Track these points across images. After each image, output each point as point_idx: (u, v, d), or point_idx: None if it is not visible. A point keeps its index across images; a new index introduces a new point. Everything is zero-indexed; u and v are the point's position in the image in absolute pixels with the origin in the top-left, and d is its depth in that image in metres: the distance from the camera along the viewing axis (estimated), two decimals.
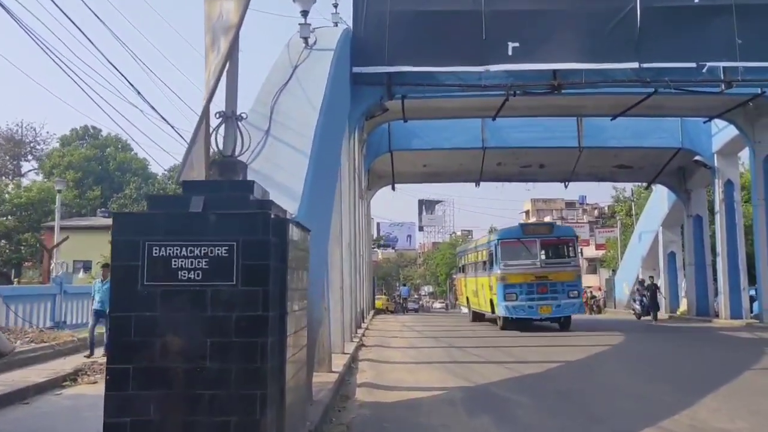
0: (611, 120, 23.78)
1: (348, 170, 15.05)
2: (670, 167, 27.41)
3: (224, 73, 5.71)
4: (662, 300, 29.11)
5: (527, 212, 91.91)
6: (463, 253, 29.45)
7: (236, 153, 5.61)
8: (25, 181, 46.70)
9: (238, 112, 5.63)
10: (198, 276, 4.47)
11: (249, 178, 5.97)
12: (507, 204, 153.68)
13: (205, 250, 4.49)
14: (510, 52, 14.59)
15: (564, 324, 19.89)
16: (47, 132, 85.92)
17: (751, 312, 24.39)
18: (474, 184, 29.35)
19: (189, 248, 4.48)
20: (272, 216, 4.70)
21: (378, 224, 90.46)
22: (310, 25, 11.63)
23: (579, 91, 19.71)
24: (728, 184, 24.99)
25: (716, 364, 11.71)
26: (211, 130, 5.57)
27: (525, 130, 25.43)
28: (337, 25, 15.09)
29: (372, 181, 29.32)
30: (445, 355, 13.47)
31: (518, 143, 25.81)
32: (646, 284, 28.26)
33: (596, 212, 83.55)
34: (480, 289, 22.97)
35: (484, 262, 22.21)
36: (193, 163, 5.64)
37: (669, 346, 15.59)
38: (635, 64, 14.57)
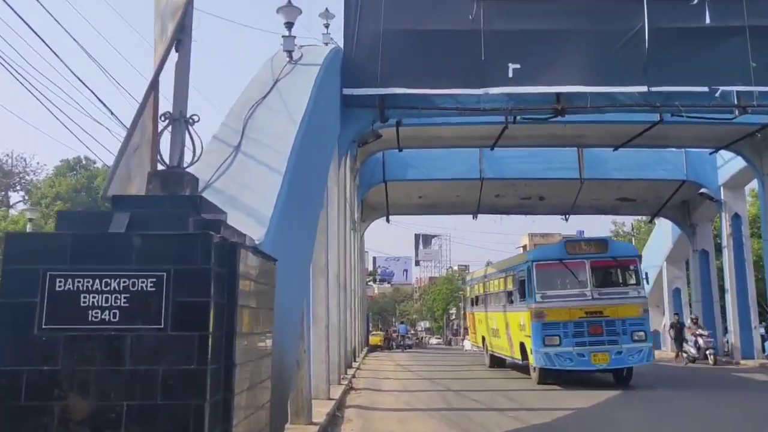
0: (614, 151, 22.96)
1: (337, 198, 14.03)
2: (674, 200, 26.49)
3: (177, 72, 4.75)
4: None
5: (524, 247, 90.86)
6: (477, 281, 23.59)
7: (184, 163, 4.59)
8: (13, 212, 45.63)
9: (189, 114, 4.64)
10: (114, 317, 3.39)
11: (208, 198, 4.96)
12: (504, 238, 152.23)
13: (125, 282, 3.42)
14: (510, 74, 13.70)
15: (623, 377, 14.76)
16: (38, 162, 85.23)
17: (763, 351, 23.24)
18: (471, 216, 28.37)
19: (104, 280, 3.41)
20: (217, 239, 3.64)
21: (374, 258, 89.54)
22: (294, 37, 10.75)
23: (582, 118, 18.87)
24: (735, 218, 24.03)
25: None
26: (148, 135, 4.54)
27: (524, 161, 24.54)
28: (327, 45, 14.24)
29: (366, 213, 28.30)
30: (440, 399, 12.27)
31: (517, 174, 24.90)
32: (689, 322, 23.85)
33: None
34: (503, 328, 17.92)
35: (510, 293, 17.20)
36: (130, 174, 4.60)
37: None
38: (644, 88, 13.68)
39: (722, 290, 25.65)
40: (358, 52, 14.14)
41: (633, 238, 46.72)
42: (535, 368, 14.72)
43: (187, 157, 4.74)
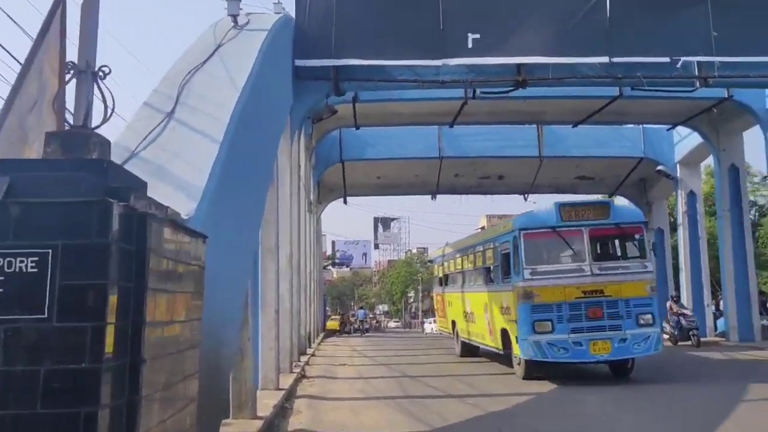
0: (573, 127, 22.75)
1: (290, 176, 13.32)
2: (631, 178, 26.53)
3: (83, 15, 4.02)
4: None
5: (483, 228, 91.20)
6: (447, 258, 20.30)
7: (93, 123, 3.88)
8: None
9: (98, 66, 3.93)
10: None
11: (134, 170, 4.28)
12: (462, 219, 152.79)
13: None
14: (470, 45, 13.11)
15: (623, 369, 12.40)
16: None
17: (715, 329, 23.46)
18: (430, 196, 27.91)
19: None
20: (120, 208, 2.96)
21: (333, 242, 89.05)
22: (240, 0, 9.93)
23: (542, 93, 18.54)
24: (691, 195, 24.18)
25: None
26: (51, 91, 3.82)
27: (484, 139, 24.16)
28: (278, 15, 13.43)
29: (323, 194, 27.58)
30: (396, 387, 11.77)
31: (477, 153, 24.52)
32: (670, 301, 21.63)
33: None
34: (480, 311, 15.25)
35: (490, 270, 14.53)
36: (27, 135, 3.88)
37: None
38: (605, 59, 13.26)
39: (676, 269, 25.84)
40: (311, 21, 13.37)
41: None
42: (519, 360, 12.25)
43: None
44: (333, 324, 44.05)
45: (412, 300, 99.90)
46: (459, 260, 18.35)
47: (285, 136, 12.93)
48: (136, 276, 3.04)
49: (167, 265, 3.43)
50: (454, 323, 18.54)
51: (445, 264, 20.44)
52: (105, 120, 3.91)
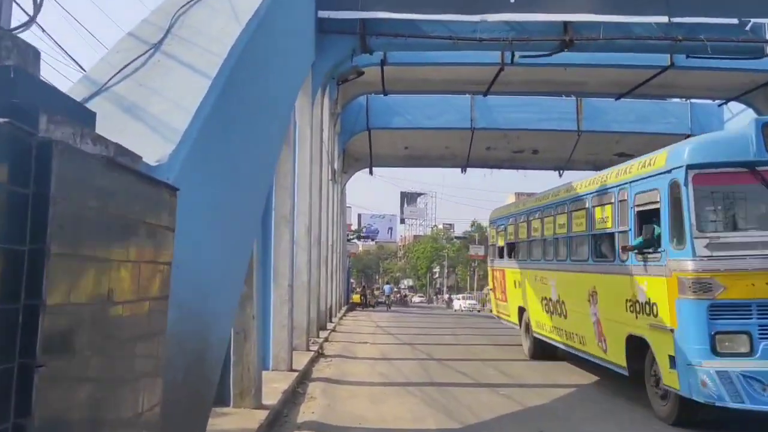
0: (616, 100, 21.34)
1: (311, 139, 12.24)
2: None
3: None
4: None
5: None
6: (518, 218, 14.09)
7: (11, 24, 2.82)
8: None
9: None
10: None
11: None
12: (490, 196, 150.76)
13: None
14: (512, 0, 11.87)
15: None
16: None
17: None
18: (460, 170, 26.61)
19: None
20: (11, 131, 1.90)
21: (359, 215, 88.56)
22: None
23: (585, 60, 17.23)
24: None
25: None
26: None
27: (519, 111, 22.81)
28: None
29: (348, 164, 26.45)
30: (421, 372, 10.72)
31: (511, 125, 23.14)
32: None
33: None
34: (577, 301, 9.92)
35: (603, 236, 9.40)
36: None
37: None
38: (664, 18, 11.86)
39: None
40: None
41: None
42: (667, 394, 7.17)
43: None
44: (357, 297, 43.63)
45: (437, 275, 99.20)
46: (539, 222, 12.17)
47: (305, 95, 11.86)
48: (31, 235, 1.98)
49: (98, 220, 2.37)
50: (521, 311, 13.14)
51: (513, 227, 14.27)
52: (30, 22, 2.85)
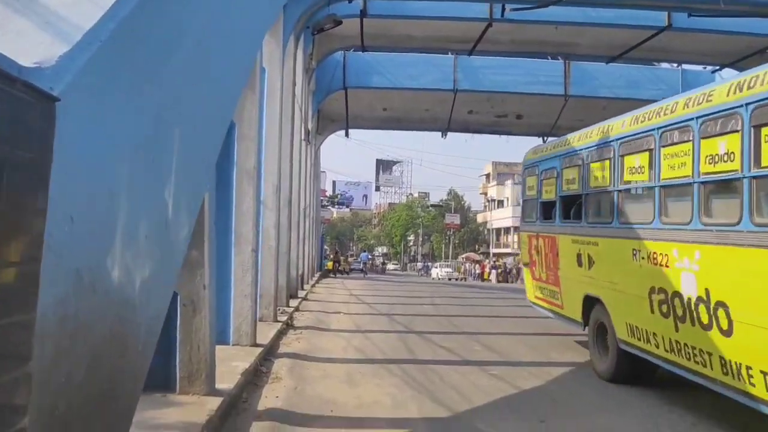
0: (606, 63, 20.42)
1: (281, 90, 11.05)
2: None
3: None
4: None
5: (488, 176, 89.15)
6: (595, 150, 8.38)
7: None
8: None
9: None
10: None
11: None
12: (467, 162, 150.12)
13: None
14: None
15: None
16: None
17: None
18: (440, 134, 25.52)
19: None
20: None
21: (333, 182, 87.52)
22: None
23: (578, 19, 16.30)
24: None
25: None
26: None
27: (504, 73, 21.75)
28: None
29: (323, 125, 25.22)
30: (401, 347, 9.76)
31: (495, 87, 22.09)
32: None
33: None
34: (742, 298, 5.11)
35: None
36: None
37: None
38: None
39: None
40: None
41: None
42: None
43: None
44: (329, 264, 43.26)
45: (411, 243, 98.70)
46: (644, 157, 6.98)
47: (275, 40, 10.67)
48: None
49: None
50: (591, 303, 8.13)
51: (575, 170, 9.03)
52: None
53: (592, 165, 8.42)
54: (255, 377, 6.94)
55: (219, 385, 5.73)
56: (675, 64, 22.25)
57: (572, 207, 8.98)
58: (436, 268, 52.68)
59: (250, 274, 8.23)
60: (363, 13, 15.88)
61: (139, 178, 3.26)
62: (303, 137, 18.55)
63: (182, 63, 4.20)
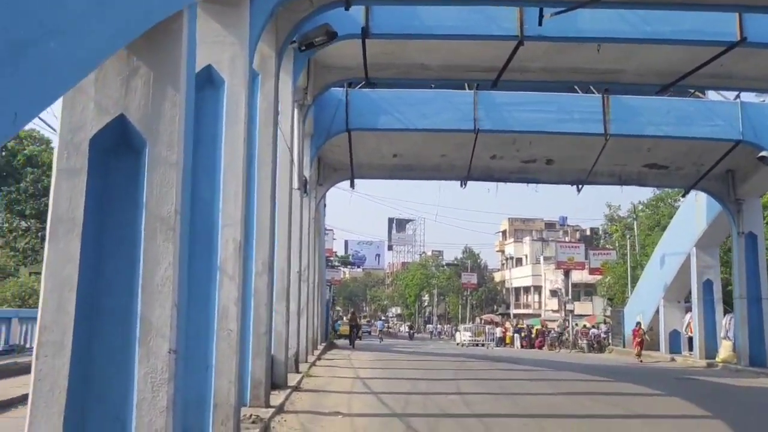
0: (656, 94, 17.32)
1: (245, 108, 7.88)
2: (717, 169, 20.85)
3: None
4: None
5: (504, 233, 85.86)
6: None
7: None
8: None
9: None
10: None
11: None
12: (483, 217, 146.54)
13: None
14: None
15: None
16: None
17: None
18: (459, 183, 22.31)
19: None
20: None
21: (346, 242, 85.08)
22: None
23: (623, 35, 13.43)
24: None
25: None
26: None
27: (533, 109, 18.73)
28: None
29: (325, 175, 22.11)
30: None
31: (522, 126, 19.09)
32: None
33: (578, 235, 77.90)
34: None
35: None
36: None
37: None
38: None
39: None
40: None
41: (635, 221, 41.33)
42: None
43: None
44: (346, 329, 41.57)
45: (426, 304, 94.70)
46: None
47: (239, 38, 7.63)
48: None
49: None
50: None
51: None
52: None
53: None
54: None
55: None
56: (733, 96, 19.15)
57: None
58: (459, 332, 48.95)
59: (165, 389, 4.83)
60: (365, 32, 13.01)
61: None
62: (298, 186, 15.41)
63: None
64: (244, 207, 7.69)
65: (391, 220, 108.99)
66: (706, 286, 23.80)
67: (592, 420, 9.96)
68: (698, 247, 23.77)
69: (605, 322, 37.39)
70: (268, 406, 9.79)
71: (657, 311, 27.22)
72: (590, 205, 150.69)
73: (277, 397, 10.82)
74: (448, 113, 18.61)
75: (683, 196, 23.34)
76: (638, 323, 26.69)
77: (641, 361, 24.81)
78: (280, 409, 10.02)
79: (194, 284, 6.75)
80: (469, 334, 46.05)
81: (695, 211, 23.85)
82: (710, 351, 23.29)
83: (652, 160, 21.21)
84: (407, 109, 18.52)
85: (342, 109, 18.15)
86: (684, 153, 20.74)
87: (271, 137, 10.24)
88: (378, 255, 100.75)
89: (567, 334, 41.94)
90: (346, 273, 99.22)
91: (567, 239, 74.74)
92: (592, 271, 46.07)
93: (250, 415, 8.80)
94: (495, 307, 78.53)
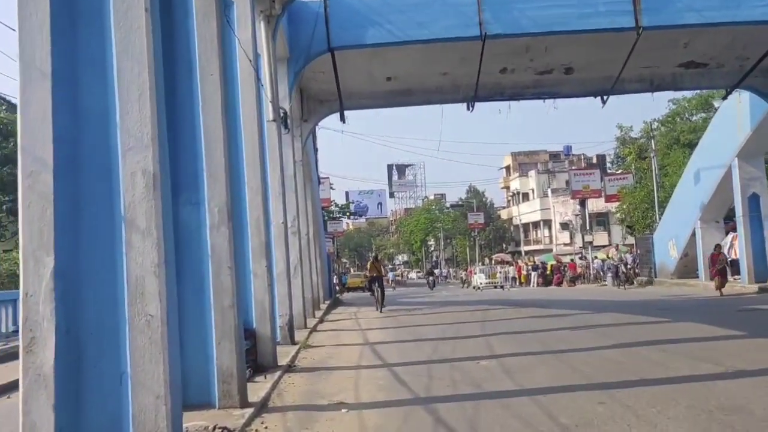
0: None
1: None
2: (766, 62, 17.77)
3: None
4: None
5: (508, 168, 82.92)
6: None
7: None
8: None
9: None
10: None
11: None
12: (485, 151, 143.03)
13: None
14: None
15: None
16: None
17: None
18: (465, 106, 19.26)
19: None
20: None
21: (347, 192, 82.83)
22: None
23: None
24: None
25: None
26: None
27: (549, 4, 15.53)
28: None
29: (309, 108, 19.04)
30: None
31: (537, 27, 15.86)
32: None
33: (583, 163, 74.91)
34: None
35: None
36: None
37: None
38: None
39: None
40: None
41: (653, 141, 38.21)
42: None
43: None
44: (356, 281, 40.60)
45: (432, 248, 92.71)
46: None
47: None
48: None
49: None
50: None
51: None
52: None
53: None
54: None
55: None
56: None
57: None
58: (476, 274, 45.40)
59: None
60: None
61: None
62: (273, 117, 12.48)
63: None
64: (155, 120, 4.77)
65: (390, 167, 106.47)
66: (752, 201, 21.03)
67: (683, 386, 7.26)
68: (741, 158, 20.90)
69: (630, 252, 34.80)
70: (244, 404, 7.09)
71: (693, 234, 24.51)
72: (592, 133, 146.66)
73: (260, 388, 8.15)
74: (449, 19, 15.45)
75: (724, 98, 20.34)
76: (717, 246, 21.52)
77: (721, 294, 19.61)
78: (261, 407, 7.33)
79: (82, 247, 4.00)
80: (483, 276, 43.43)
81: (736, 114, 20.84)
82: (760, 274, 20.67)
83: (690, 57, 18.12)
84: (399, 17, 15.37)
85: (321, 23, 15.02)
86: (726, 45, 17.64)
87: (215, 36, 7.22)
88: (380, 204, 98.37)
89: (583, 268, 39.61)
90: (349, 224, 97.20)
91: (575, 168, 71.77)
92: (608, 198, 43.20)
93: (214, 428, 6.10)
94: (504, 245, 76.21)
